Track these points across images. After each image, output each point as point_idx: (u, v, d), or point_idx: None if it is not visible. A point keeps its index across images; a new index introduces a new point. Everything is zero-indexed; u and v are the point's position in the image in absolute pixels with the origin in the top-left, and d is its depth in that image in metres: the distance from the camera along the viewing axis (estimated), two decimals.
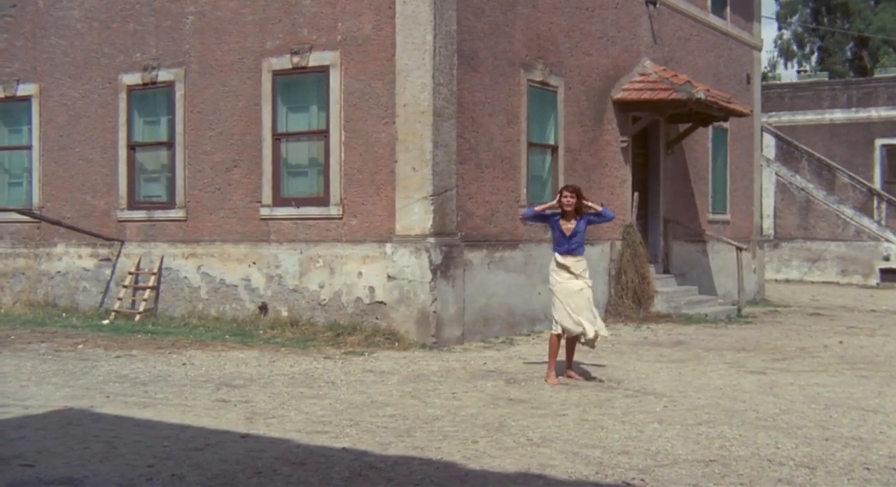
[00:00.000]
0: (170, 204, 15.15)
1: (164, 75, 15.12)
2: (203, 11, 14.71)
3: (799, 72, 44.19)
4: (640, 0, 17.71)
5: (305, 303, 13.63)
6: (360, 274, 13.15)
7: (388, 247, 12.91)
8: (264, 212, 14.11)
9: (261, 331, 13.26)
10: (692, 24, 19.75)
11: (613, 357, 11.80)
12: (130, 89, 15.54)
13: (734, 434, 7.40)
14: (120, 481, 5.92)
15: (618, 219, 15.76)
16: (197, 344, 12.37)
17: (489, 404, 8.61)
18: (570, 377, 10.07)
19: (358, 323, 13.02)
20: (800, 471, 6.29)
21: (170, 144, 15.18)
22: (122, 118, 15.63)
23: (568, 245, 9.99)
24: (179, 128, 14.97)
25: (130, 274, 15.22)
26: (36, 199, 16.62)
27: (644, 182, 18.15)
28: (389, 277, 12.85)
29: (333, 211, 13.45)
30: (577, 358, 10.51)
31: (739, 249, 18.87)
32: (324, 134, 13.60)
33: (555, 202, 10.13)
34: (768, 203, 29.85)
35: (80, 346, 12.31)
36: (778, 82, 41.46)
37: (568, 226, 9.97)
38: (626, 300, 16.34)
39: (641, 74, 17.30)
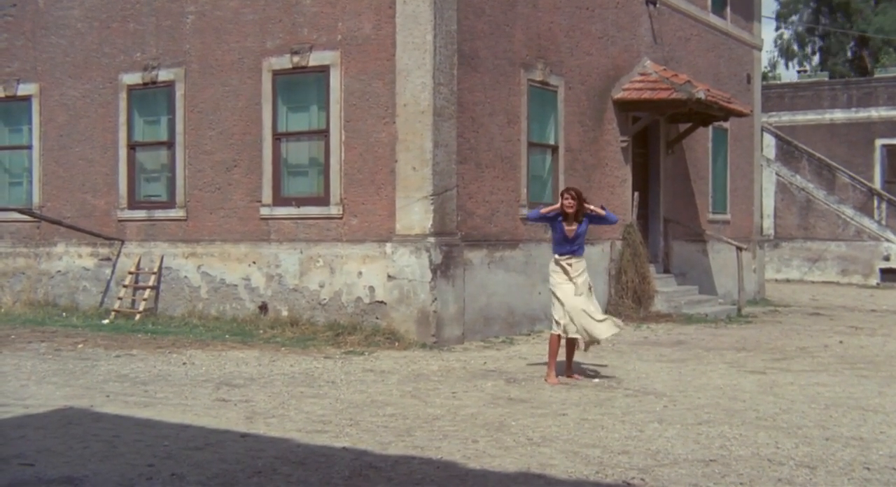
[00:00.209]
0: (170, 203, 15.15)
1: (164, 75, 15.12)
2: (203, 11, 14.71)
3: (799, 72, 44.18)
4: (640, 0, 17.71)
5: (305, 303, 13.63)
6: (361, 273, 13.16)
7: (389, 247, 12.91)
8: (264, 211, 14.11)
9: (261, 331, 13.26)
10: (692, 24, 19.75)
11: (613, 356, 11.80)
12: (131, 89, 15.54)
13: (734, 433, 7.40)
14: (120, 480, 5.91)
15: (618, 219, 15.75)
16: (197, 344, 12.37)
17: (489, 403, 8.61)
18: (570, 377, 10.07)
19: (358, 323, 13.02)
20: (800, 471, 6.29)
21: (170, 144, 15.18)
22: (123, 118, 15.63)
23: (570, 247, 10.00)
24: (180, 127, 14.97)
25: (130, 273, 15.22)
26: (36, 199, 16.62)
27: (644, 182, 18.15)
28: (389, 277, 12.86)
29: (333, 210, 13.45)
30: (577, 358, 10.50)
31: (739, 249, 18.87)
32: (324, 133, 13.60)
33: (558, 205, 10.10)
34: (768, 203, 29.85)
35: (81, 346, 12.31)
36: (778, 82, 41.46)
37: (570, 228, 9.97)
38: (627, 300, 16.34)
39: (642, 74, 17.30)
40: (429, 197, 12.65)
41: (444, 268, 12.68)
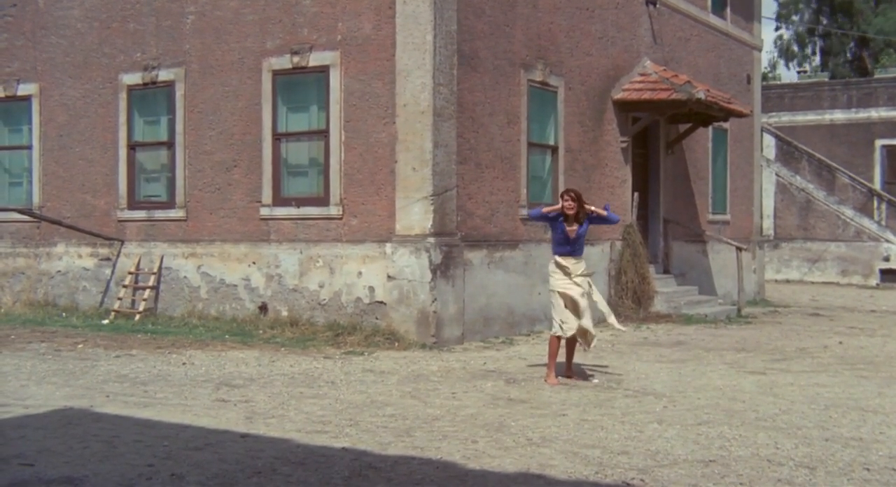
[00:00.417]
0: (170, 203, 15.15)
1: (164, 75, 15.12)
2: (203, 11, 14.71)
3: (799, 72, 44.19)
4: (640, 0, 17.71)
5: (305, 303, 13.63)
6: (360, 273, 13.16)
7: (388, 247, 12.91)
8: (264, 211, 14.11)
9: (260, 331, 13.26)
10: (692, 25, 19.75)
11: (613, 357, 11.80)
12: (131, 89, 15.54)
13: (734, 434, 7.40)
14: (120, 480, 5.92)
15: (620, 219, 15.75)
16: (197, 344, 12.37)
17: (489, 404, 8.61)
18: (569, 377, 10.07)
19: (358, 323, 13.02)
20: (799, 471, 6.29)
21: (170, 144, 15.18)
22: (123, 118, 15.63)
23: (570, 248, 10.01)
24: (179, 127, 14.97)
25: (130, 273, 15.22)
26: (36, 199, 16.62)
27: (644, 182, 18.14)
28: (389, 277, 12.86)
29: (333, 211, 13.45)
30: (577, 358, 10.50)
31: (739, 249, 18.87)
32: (324, 134, 13.60)
33: (559, 206, 10.09)
34: (768, 203, 29.85)
35: (80, 346, 12.31)
36: (778, 83, 41.47)
37: (571, 229, 9.96)
38: (626, 300, 16.34)
39: (641, 74, 17.30)
40: (429, 197, 12.65)
41: (443, 269, 12.68)
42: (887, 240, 29.11)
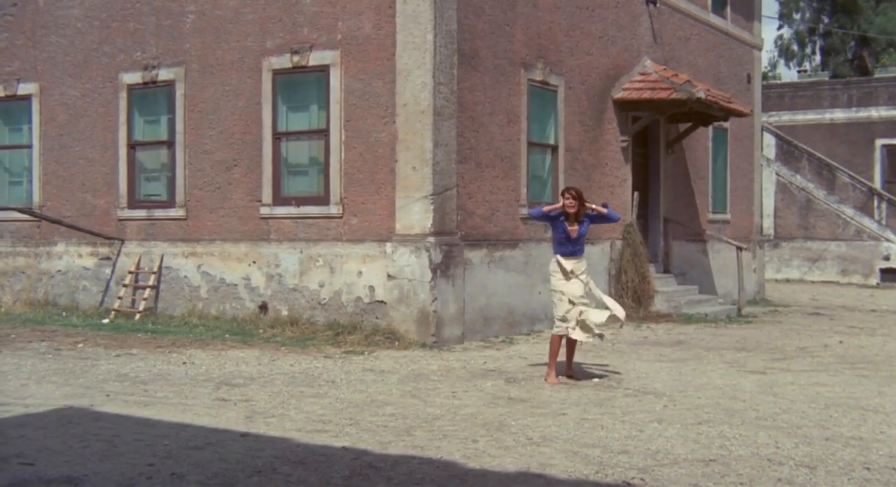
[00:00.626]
0: (170, 203, 15.15)
1: (164, 74, 15.12)
2: (203, 10, 14.70)
3: (799, 71, 44.18)
4: (640, 0, 17.73)
5: (305, 302, 13.63)
6: (360, 273, 13.16)
7: (389, 247, 12.91)
8: (264, 211, 14.11)
9: (261, 330, 13.26)
10: (692, 24, 19.75)
11: (613, 356, 11.80)
12: (131, 88, 15.54)
13: (734, 433, 7.40)
14: (120, 479, 5.92)
15: (620, 217, 15.74)
16: (197, 343, 12.37)
17: (489, 403, 8.61)
18: (570, 376, 10.06)
19: (358, 323, 13.02)
20: (800, 471, 6.29)
21: (170, 143, 15.17)
22: (123, 117, 15.63)
23: (571, 247, 10.00)
24: (180, 127, 14.97)
25: (130, 273, 15.22)
26: (36, 198, 16.62)
27: (644, 181, 18.14)
28: (389, 276, 12.86)
29: (333, 210, 13.45)
30: (577, 357, 10.50)
31: (739, 249, 18.87)
32: (324, 133, 13.60)
33: (560, 204, 10.08)
34: (768, 202, 29.85)
35: (81, 345, 12.31)
36: (778, 82, 41.45)
37: (572, 228, 9.95)
38: (627, 299, 16.33)
39: (642, 74, 17.29)
40: (429, 196, 12.65)
41: (443, 268, 12.68)
42: (887, 240, 29.11)
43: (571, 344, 10.17)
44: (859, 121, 32.92)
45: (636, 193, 17.25)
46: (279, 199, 14.01)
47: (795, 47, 53.48)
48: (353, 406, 8.37)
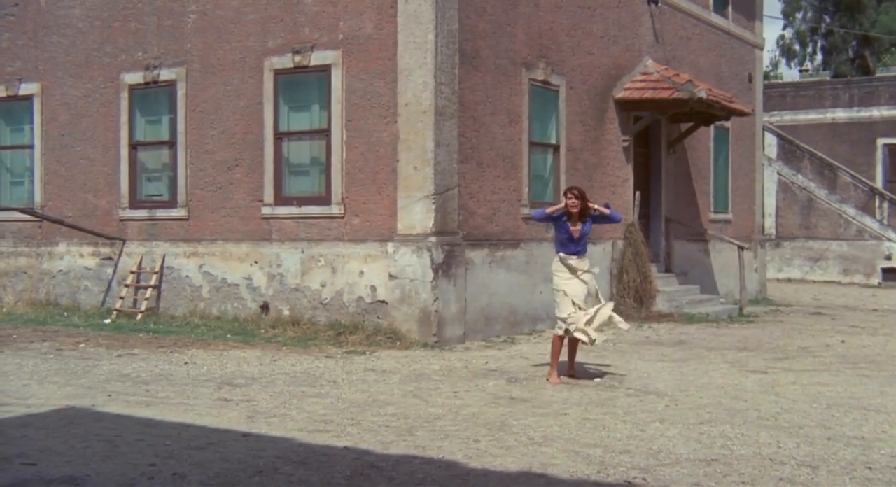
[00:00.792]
0: (171, 203, 15.16)
1: (165, 74, 15.13)
2: (205, 10, 14.71)
3: (801, 71, 44.16)
4: None
5: (307, 302, 13.63)
6: (362, 273, 13.16)
7: (390, 247, 12.91)
8: (266, 210, 14.11)
9: (262, 330, 13.26)
10: (694, 23, 19.74)
11: (615, 356, 11.80)
12: (132, 88, 15.55)
13: (736, 433, 7.39)
14: (122, 479, 5.92)
15: (622, 218, 15.73)
16: (199, 343, 12.38)
17: (491, 403, 8.61)
18: (571, 376, 10.06)
19: (359, 323, 13.02)
20: (802, 470, 6.29)
21: (171, 143, 15.18)
22: (124, 117, 15.64)
23: (575, 247, 9.98)
24: (181, 127, 14.97)
25: (132, 273, 15.22)
26: (38, 198, 16.63)
27: (646, 181, 18.14)
28: (391, 276, 12.86)
29: (335, 210, 13.45)
30: (579, 357, 10.50)
31: (741, 248, 18.86)
32: (325, 133, 13.60)
33: (562, 204, 10.07)
34: (770, 202, 29.83)
35: (82, 345, 12.32)
36: (780, 81, 41.44)
37: (575, 227, 9.94)
38: (628, 299, 16.33)
39: (643, 73, 17.29)
40: (430, 196, 12.65)
41: (445, 268, 12.68)
42: (889, 239, 29.09)
43: (573, 343, 10.16)
44: (861, 120, 32.89)
45: (638, 193, 17.25)
46: (281, 199, 14.01)
47: (797, 47, 53.46)
48: (355, 406, 8.37)
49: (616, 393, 9.18)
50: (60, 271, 16.28)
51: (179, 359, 11.13)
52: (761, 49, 23.30)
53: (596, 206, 10.15)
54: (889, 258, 28.99)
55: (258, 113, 14.17)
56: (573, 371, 10.17)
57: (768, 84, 34.29)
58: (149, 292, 14.94)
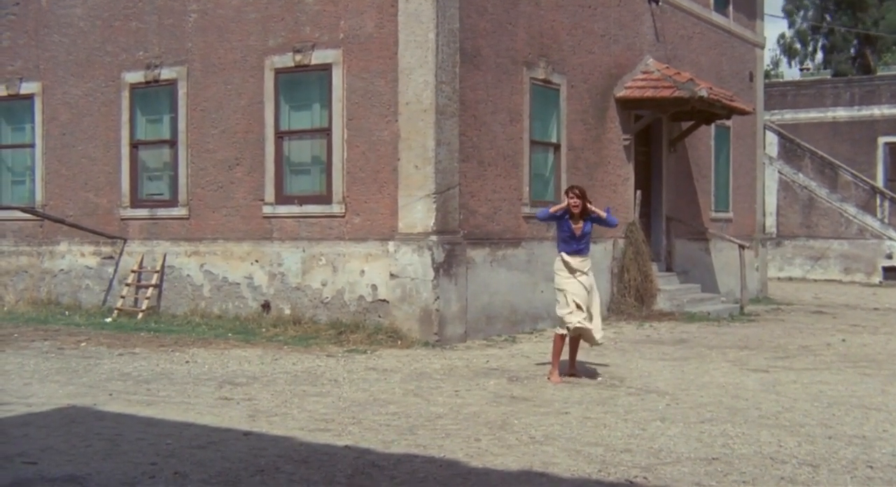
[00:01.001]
0: (172, 202, 15.16)
1: (166, 73, 15.13)
2: (205, 9, 14.71)
3: (802, 70, 44.16)
4: None
5: (308, 301, 13.63)
6: (363, 272, 13.16)
7: (391, 245, 12.91)
8: (267, 209, 14.11)
9: (263, 329, 13.27)
10: (695, 22, 19.73)
11: (616, 355, 11.80)
12: (133, 87, 15.55)
13: (737, 432, 7.39)
14: (123, 478, 5.92)
15: (620, 218, 15.71)
16: (200, 342, 12.38)
17: (492, 402, 8.61)
18: (572, 375, 10.06)
19: (360, 322, 13.02)
20: (803, 469, 6.29)
21: (172, 142, 15.18)
22: (125, 116, 15.64)
23: (577, 245, 9.97)
24: (182, 126, 14.98)
25: (133, 272, 15.23)
26: (39, 197, 16.63)
27: (647, 180, 18.14)
28: (392, 275, 12.86)
29: (336, 209, 13.45)
30: (580, 356, 10.50)
31: (742, 247, 18.85)
32: (326, 132, 13.60)
33: (565, 203, 10.07)
34: (771, 201, 29.82)
35: (83, 344, 12.32)
36: (781, 80, 41.42)
37: (577, 226, 9.94)
38: (629, 298, 16.34)
39: (644, 72, 17.28)
40: (431, 195, 12.65)
41: (446, 267, 12.68)
42: (890, 238, 29.08)
43: (574, 342, 10.16)
44: (862, 119, 32.88)
45: (639, 192, 17.24)
46: (282, 198, 14.01)
47: (798, 45, 53.46)
48: (356, 405, 8.38)
49: (617, 392, 9.18)
50: (62, 270, 16.29)
51: (180, 358, 11.14)
52: (762, 48, 23.29)
53: (594, 209, 10.11)
54: (890, 257, 28.98)
55: (259, 112, 14.17)
56: (574, 370, 10.16)
57: (769, 83, 34.29)
58: (150, 291, 14.95)
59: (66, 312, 15.44)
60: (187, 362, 10.88)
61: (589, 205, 10.03)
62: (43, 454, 6.50)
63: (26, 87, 16.72)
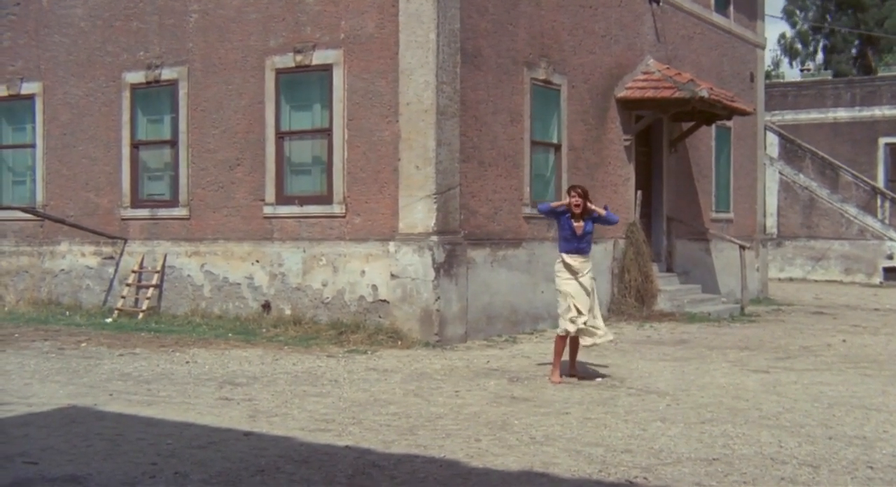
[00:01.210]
0: (173, 202, 15.16)
1: (167, 73, 15.13)
2: (206, 10, 14.71)
3: (802, 70, 44.15)
4: None
5: (308, 302, 13.63)
6: (364, 272, 13.16)
7: (392, 246, 12.91)
8: (268, 210, 14.11)
9: (264, 330, 13.27)
10: (696, 23, 19.73)
11: (616, 355, 11.79)
12: (134, 87, 15.55)
13: (737, 432, 7.39)
14: (123, 478, 5.92)
15: (621, 218, 15.72)
16: (200, 343, 12.38)
17: (492, 402, 8.61)
18: (573, 375, 10.06)
19: (361, 322, 13.02)
20: (803, 470, 6.29)
21: (173, 142, 15.19)
22: (126, 116, 15.64)
23: (577, 244, 9.98)
24: (183, 126, 14.98)
25: (134, 272, 15.23)
26: (39, 197, 16.64)
27: (647, 180, 18.14)
28: (392, 275, 12.86)
29: (336, 209, 13.46)
30: (580, 357, 10.49)
31: (743, 248, 18.85)
32: (327, 132, 13.60)
33: (566, 201, 10.09)
34: (772, 201, 29.82)
35: (84, 344, 12.32)
36: (781, 81, 41.41)
37: (578, 225, 9.95)
38: (630, 298, 16.33)
39: (645, 73, 17.29)
40: (432, 195, 12.65)
41: (447, 267, 12.68)
42: (891, 239, 29.07)
43: (575, 343, 10.16)
44: (863, 120, 32.88)
45: (639, 192, 17.25)
46: (282, 199, 14.02)
47: (799, 46, 53.46)
48: (357, 406, 8.38)
49: (617, 393, 9.18)
50: (62, 270, 16.29)
51: (181, 358, 11.14)
52: (763, 48, 23.29)
53: (594, 207, 10.14)
54: (891, 257, 28.98)
55: (260, 112, 14.18)
56: (575, 370, 10.16)
57: (770, 83, 34.27)
58: (150, 291, 14.95)
59: (67, 312, 15.44)
60: (188, 362, 10.88)
61: (590, 205, 10.05)
62: (43, 454, 6.50)
63: (27, 87, 16.73)
